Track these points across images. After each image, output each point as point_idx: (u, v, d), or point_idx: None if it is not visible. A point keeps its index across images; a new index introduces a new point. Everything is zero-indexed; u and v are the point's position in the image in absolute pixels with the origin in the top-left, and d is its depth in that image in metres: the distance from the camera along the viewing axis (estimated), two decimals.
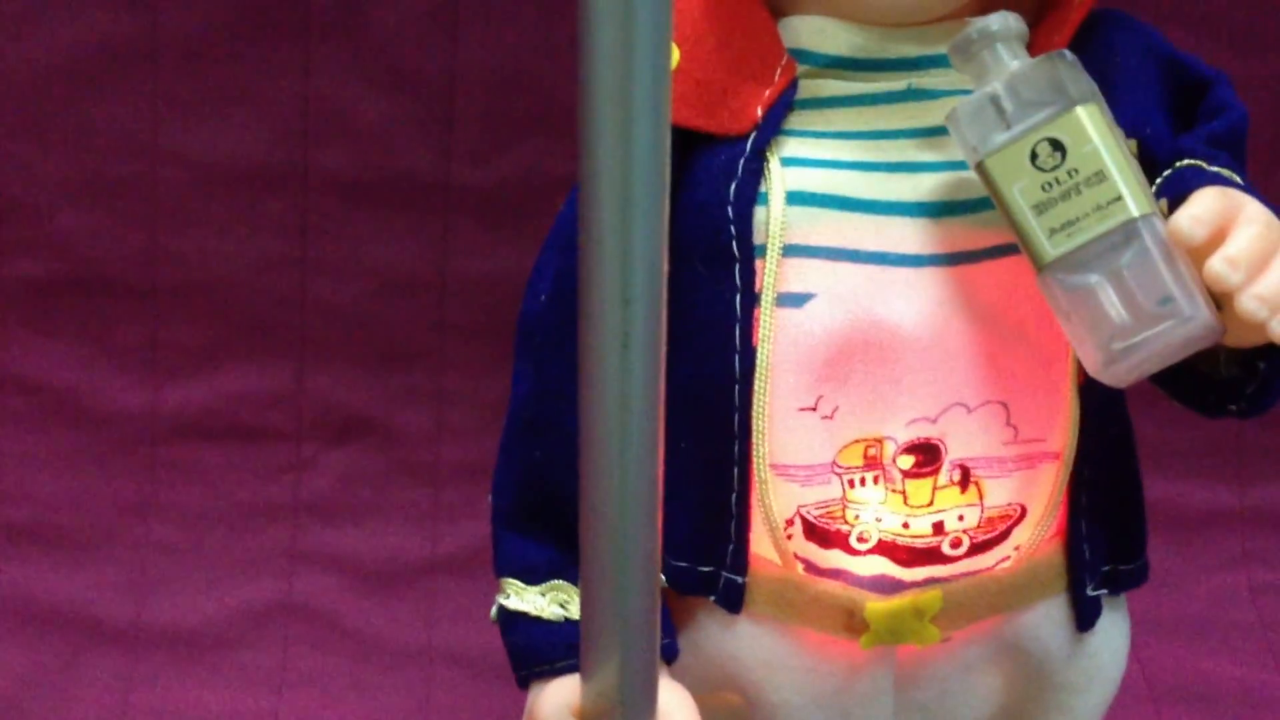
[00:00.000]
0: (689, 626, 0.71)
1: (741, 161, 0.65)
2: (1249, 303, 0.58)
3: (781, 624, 0.70)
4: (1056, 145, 0.60)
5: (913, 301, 0.65)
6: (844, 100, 0.66)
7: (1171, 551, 1.35)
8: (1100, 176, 0.59)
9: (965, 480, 0.67)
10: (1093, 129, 0.60)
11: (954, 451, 0.67)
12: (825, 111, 0.66)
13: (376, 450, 1.34)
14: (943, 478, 0.67)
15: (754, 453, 0.67)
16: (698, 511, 0.69)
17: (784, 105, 0.66)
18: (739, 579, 0.69)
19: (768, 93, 0.65)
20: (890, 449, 0.67)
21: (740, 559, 0.69)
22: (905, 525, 0.67)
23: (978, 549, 0.69)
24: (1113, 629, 0.74)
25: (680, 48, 0.65)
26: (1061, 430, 0.68)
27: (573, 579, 0.67)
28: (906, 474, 0.67)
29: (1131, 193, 0.59)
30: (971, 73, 0.62)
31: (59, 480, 1.33)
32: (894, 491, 0.67)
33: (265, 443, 1.34)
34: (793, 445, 0.67)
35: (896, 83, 0.66)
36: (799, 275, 0.66)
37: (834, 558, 0.68)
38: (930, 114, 0.66)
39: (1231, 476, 1.38)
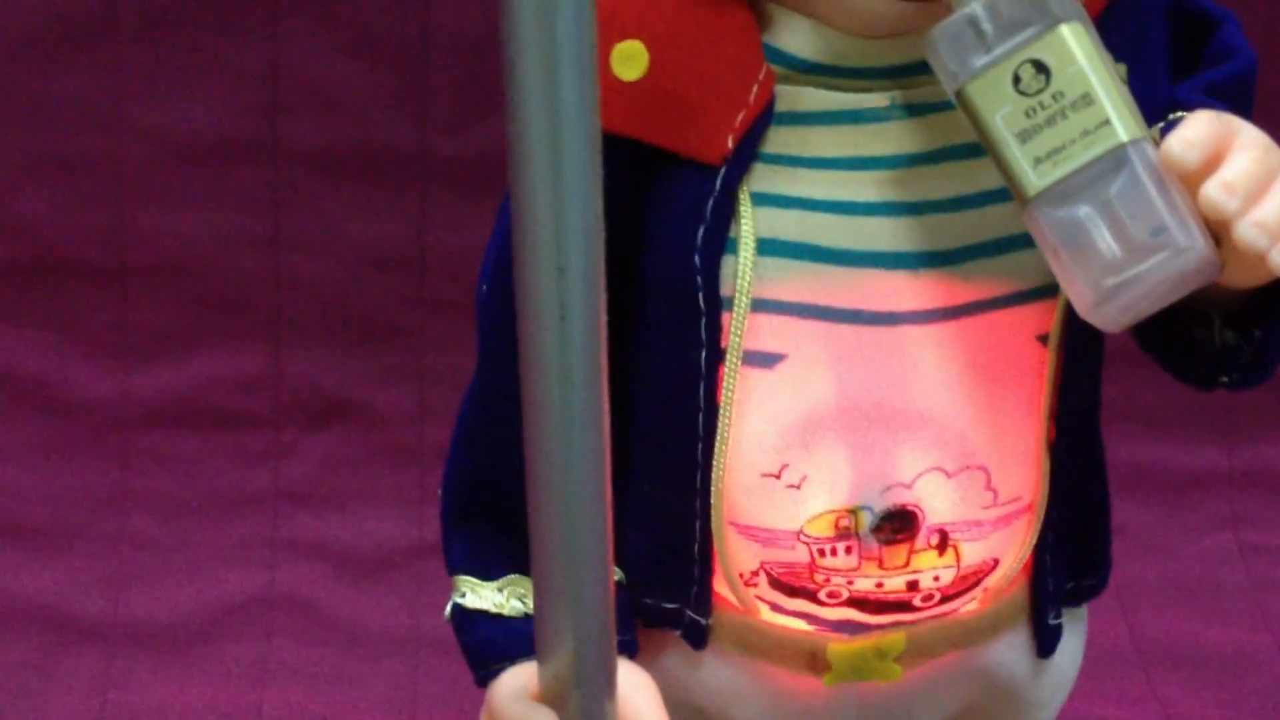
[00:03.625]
0: (656, 655, 0.70)
1: (711, 202, 0.62)
2: (1247, 230, 0.56)
3: (746, 658, 0.70)
4: (1040, 67, 0.57)
5: (888, 363, 0.63)
6: (823, 116, 0.63)
7: (1160, 514, 1.38)
8: (1087, 99, 0.57)
9: (944, 544, 0.66)
10: (1078, 48, 0.57)
11: (932, 518, 0.65)
12: (802, 130, 0.63)
13: (358, 433, 1.35)
14: (920, 542, 0.66)
15: (712, 511, 0.66)
16: (662, 552, 0.68)
17: (759, 126, 0.62)
18: (703, 620, 0.69)
19: (741, 116, 0.62)
20: (865, 519, 0.65)
21: (704, 601, 0.68)
22: (879, 585, 0.66)
23: (947, 599, 0.68)
24: (1071, 637, 0.74)
25: (650, 50, 0.62)
26: (1035, 485, 0.67)
27: (529, 572, 0.65)
28: (882, 543, 0.65)
29: (1120, 116, 0.57)
30: None
31: (28, 472, 1.33)
32: (868, 559, 0.66)
33: (242, 428, 1.35)
34: (754, 508, 0.66)
35: (879, 97, 0.63)
36: (769, 333, 0.63)
37: (799, 604, 0.68)
38: (913, 136, 0.63)
39: (1220, 438, 1.40)
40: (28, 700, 1.23)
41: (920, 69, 0.62)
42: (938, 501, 0.65)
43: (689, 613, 0.69)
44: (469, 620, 0.69)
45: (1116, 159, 0.56)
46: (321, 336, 1.33)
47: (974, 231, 0.63)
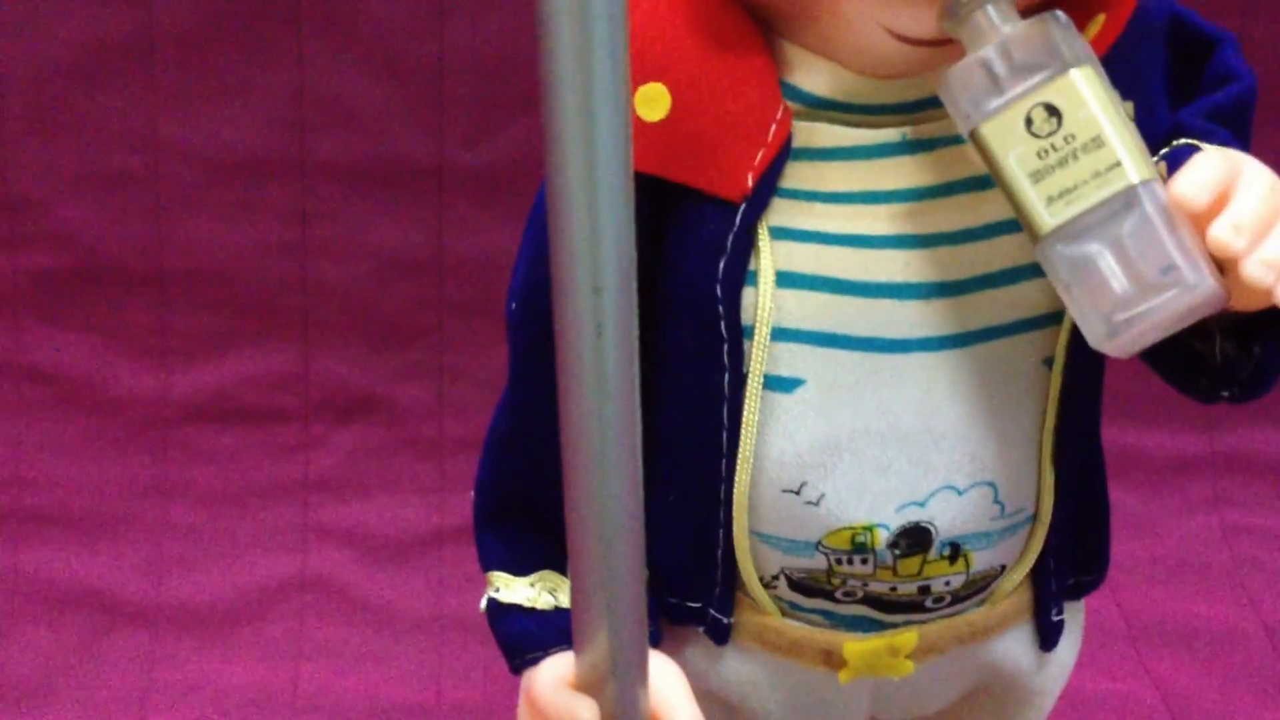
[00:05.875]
0: (681, 648, 0.70)
1: (731, 237, 0.62)
2: (1255, 268, 0.55)
3: (765, 654, 0.70)
4: (1052, 110, 0.56)
5: (902, 388, 0.63)
6: (837, 153, 0.62)
7: (1147, 497, 1.37)
8: (1098, 142, 0.55)
9: (955, 554, 0.66)
10: (1089, 92, 0.56)
11: (944, 533, 0.65)
12: (818, 165, 0.62)
13: (382, 427, 1.35)
14: (932, 554, 0.66)
15: (734, 523, 0.66)
16: (687, 556, 0.68)
17: (777, 163, 0.62)
18: (725, 619, 0.68)
19: (760, 155, 0.61)
20: (881, 535, 0.65)
21: (726, 601, 0.68)
22: (893, 589, 0.66)
23: (957, 601, 0.68)
24: (1071, 628, 0.74)
25: (673, 92, 0.61)
26: (1040, 497, 0.67)
27: (558, 567, 0.67)
28: (897, 557, 0.65)
29: (1131, 158, 0.55)
30: (964, 37, 0.57)
31: (77, 466, 1.34)
32: (883, 569, 0.66)
33: (274, 423, 1.35)
34: (775, 521, 0.66)
35: (891, 132, 0.62)
36: (788, 359, 0.63)
37: (817, 603, 0.68)
38: (923, 171, 0.63)
39: (1202, 424, 1.39)
40: (79, 677, 1.24)
41: (929, 105, 0.62)
42: (949, 517, 0.65)
43: (712, 612, 0.69)
44: (503, 613, 0.69)
45: (1127, 199, 0.55)
46: (347, 337, 1.34)
47: (982, 262, 0.63)
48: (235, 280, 1.32)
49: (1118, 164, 0.55)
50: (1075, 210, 0.56)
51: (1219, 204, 0.56)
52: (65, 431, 1.34)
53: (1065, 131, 0.56)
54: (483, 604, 0.70)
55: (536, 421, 0.61)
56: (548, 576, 0.68)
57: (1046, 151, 0.56)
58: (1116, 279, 0.55)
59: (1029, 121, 0.56)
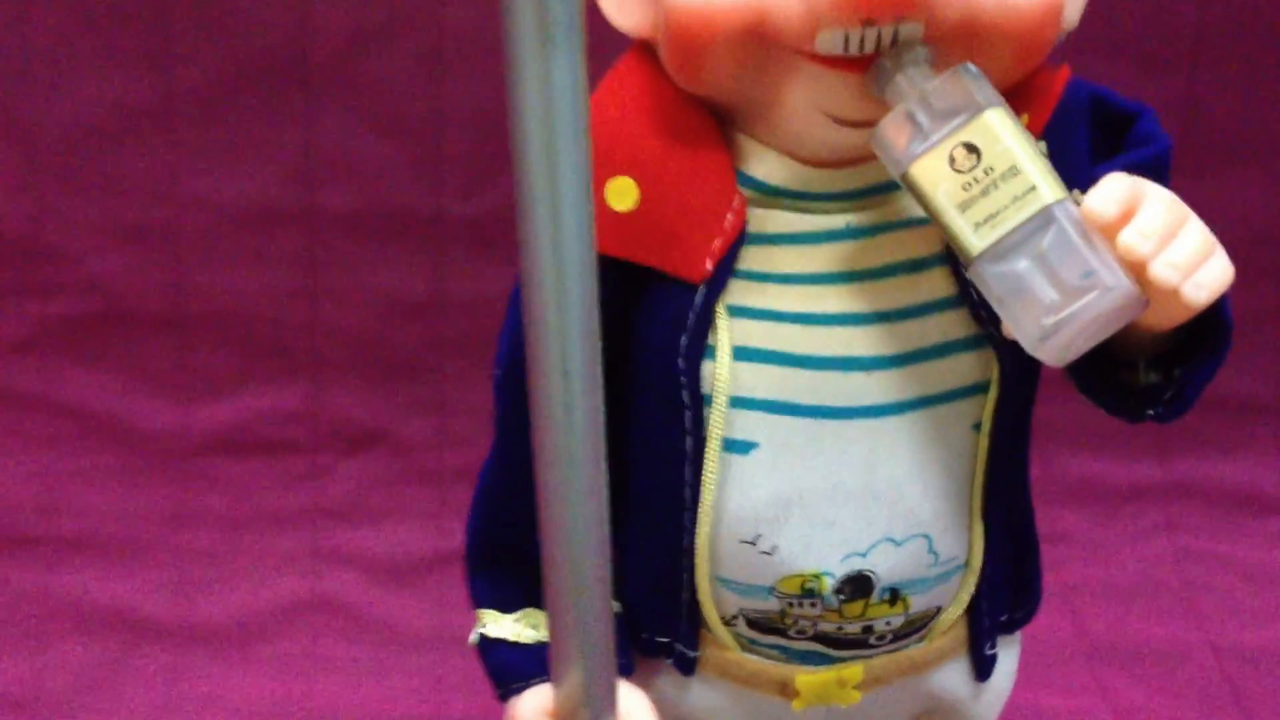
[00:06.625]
0: (652, 678, 0.72)
1: (692, 315, 0.64)
2: (1161, 269, 0.57)
3: (727, 684, 0.71)
4: (971, 148, 0.58)
5: (846, 451, 0.65)
6: (788, 238, 0.64)
7: (1103, 522, 1.37)
8: (1014, 171, 0.58)
9: (895, 598, 0.68)
10: (1002, 130, 0.58)
11: (884, 580, 0.67)
12: (771, 249, 0.64)
13: (387, 458, 1.35)
14: (874, 598, 0.67)
15: (697, 569, 0.67)
16: (657, 597, 0.70)
17: (734, 247, 0.63)
18: (690, 652, 0.70)
19: (718, 242, 0.63)
20: (827, 582, 0.66)
21: (692, 637, 0.70)
22: (839, 628, 0.68)
23: (899, 638, 0.70)
24: (1005, 658, 0.75)
25: (640, 185, 0.63)
26: (970, 546, 0.69)
27: (541, 605, 0.64)
28: (842, 602, 0.67)
29: (1044, 182, 0.58)
30: (889, 96, 0.60)
31: (104, 494, 1.34)
32: (830, 611, 0.67)
33: (286, 454, 1.35)
34: (733, 568, 0.67)
35: (836, 219, 0.64)
36: (744, 425, 0.65)
37: (772, 639, 0.70)
38: (865, 254, 0.64)
39: (1156, 452, 1.39)
40: (107, 690, 1.24)
41: (869, 193, 0.64)
42: (888, 566, 0.67)
43: (679, 646, 0.71)
44: (491, 647, 0.70)
45: (1044, 218, 0.58)
46: (354, 374, 1.34)
47: (918, 337, 0.65)
48: (250, 322, 1.32)
49: (1033, 188, 0.58)
50: (1000, 232, 0.58)
51: (1127, 216, 0.57)
52: (93, 462, 1.34)
53: (984, 165, 0.58)
54: (473, 638, 0.71)
55: (520, 476, 0.60)
56: (531, 614, 0.70)
57: (970, 184, 0.58)
58: (1043, 289, 0.57)
59: (952, 160, 0.58)
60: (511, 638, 0.70)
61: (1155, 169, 0.63)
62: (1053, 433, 1.26)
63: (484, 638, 0.71)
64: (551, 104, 0.45)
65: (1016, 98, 0.61)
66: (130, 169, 1.28)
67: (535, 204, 0.48)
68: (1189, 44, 1.26)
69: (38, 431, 1.35)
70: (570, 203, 0.48)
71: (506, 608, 0.70)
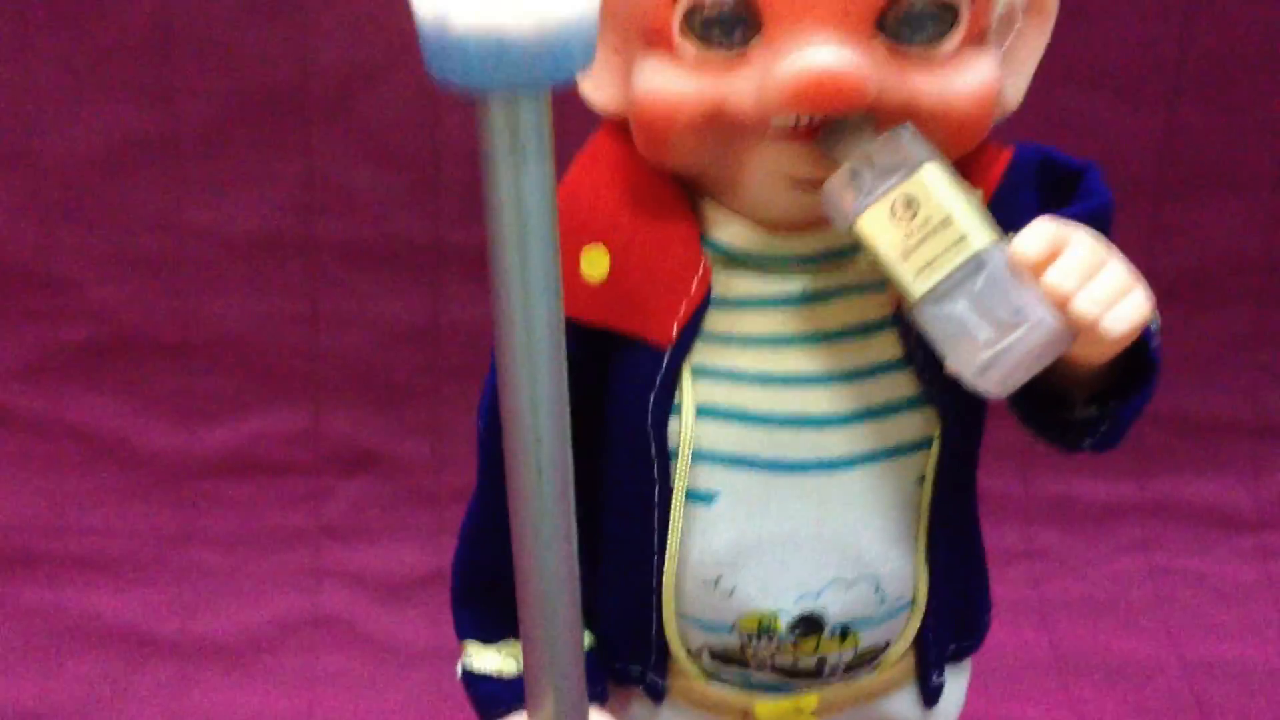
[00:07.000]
0: (625, 705, 0.75)
1: (659, 376, 0.66)
2: (1084, 304, 0.59)
3: (694, 711, 0.74)
4: (909, 201, 0.61)
5: (800, 501, 0.67)
6: (750, 302, 0.66)
7: (1079, 539, 1.38)
8: (947, 222, 0.60)
9: (845, 634, 0.70)
10: (936, 184, 0.61)
11: (835, 618, 0.69)
12: (734, 312, 0.66)
13: (385, 479, 1.36)
14: (826, 635, 0.69)
15: (664, 607, 0.70)
16: (628, 631, 0.72)
17: (700, 311, 0.66)
18: (660, 681, 0.72)
19: (684, 307, 0.65)
20: (783, 620, 0.68)
21: (661, 667, 0.72)
22: (795, 662, 0.70)
23: (850, 670, 0.72)
24: (954, 685, 0.77)
25: (611, 253, 0.65)
26: (915, 586, 0.71)
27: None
28: (796, 639, 0.69)
29: (975, 230, 0.60)
30: (837, 155, 0.62)
31: (110, 515, 1.35)
32: (786, 646, 0.69)
33: (287, 475, 1.36)
34: (697, 606, 0.70)
35: (795, 284, 0.66)
36: (706, 477, 0.67)
37: (734, 670, 0.72)
38: (821, 318, 0.66)
39: (1133, 473, 1.40)
40: (113, 707, 1.24)
41: (827, 257, 0.67)
42: (839, 606, 0.69)
43: (650, 675, 0.73)
44: (475, 677, 0.73)
45: (977, 262, 0.60)
46: (353, 398, 1.35)
47: (867, 397, 0.67)
48: (252, 348, 1.33)
49: (964, 237, 0.60)
50: (937, 277, 0.61)
51: (1053, 257, 0.60)
52: (100, 484, 1.35)
53: (922, 216, 0.61)
54: (458, 669, 0.73)
55: (500, 520, 0.60)
56: (512, 644, 0.72)
57: (909, 234, 0.61)
58: (978, 326, 0.60)
59: (893, 212, 0.61)
60: (493, 669, 0.72)
61: (1097, 220, 0.65)
62: (1033, 453, 1.27)
63: (467, 668, 0.73)
64: (522, 205, 0.49)
65: (962, 174, 0.64)
66: (134, 199, 1.29)
67: (509, 291, 0.51)
68: (1171, 76, 1.28)
69: (46, 454, 1.36)
70: (539, 290, 0.51)
71: (489, 638, 0.73)
